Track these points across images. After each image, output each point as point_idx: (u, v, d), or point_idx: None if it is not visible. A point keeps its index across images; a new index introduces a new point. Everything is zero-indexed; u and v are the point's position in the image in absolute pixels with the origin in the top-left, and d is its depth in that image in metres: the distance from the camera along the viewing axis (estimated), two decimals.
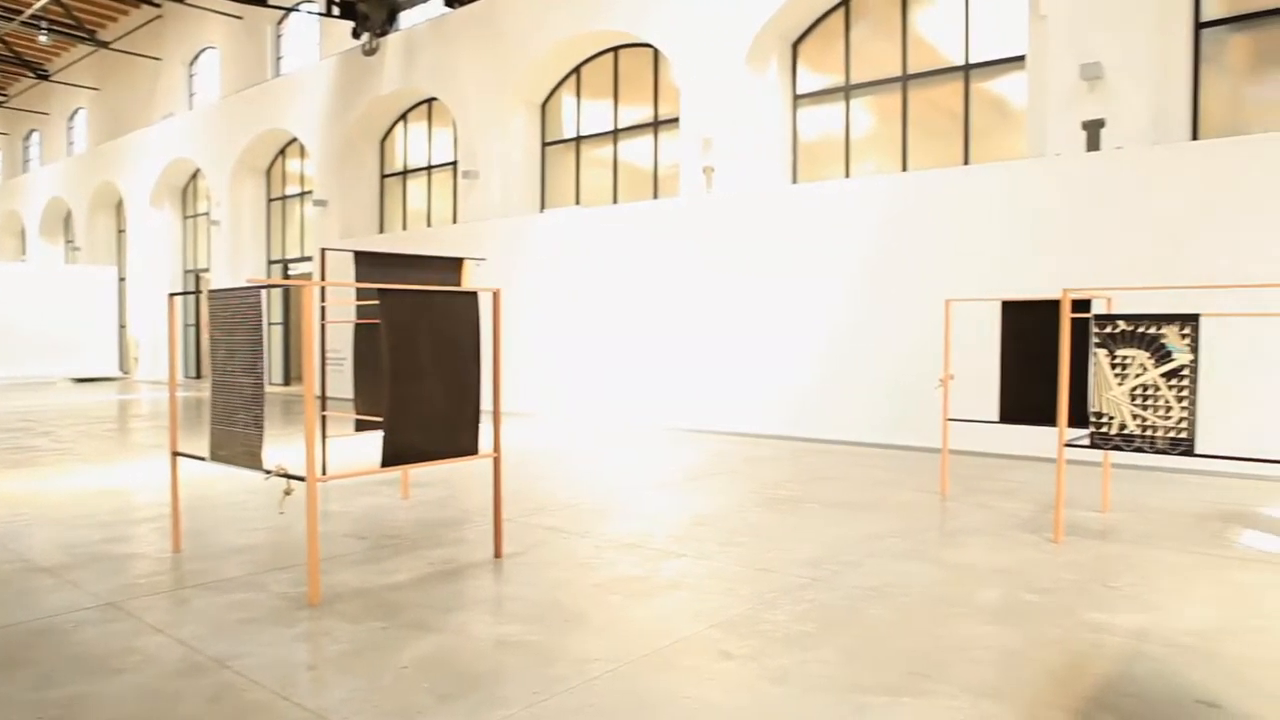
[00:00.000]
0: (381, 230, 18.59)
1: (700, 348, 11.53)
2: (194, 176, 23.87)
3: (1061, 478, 5.46)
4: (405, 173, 18.28)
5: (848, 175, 11.80)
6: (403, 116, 18.13)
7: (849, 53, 11.85)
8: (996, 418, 6.46)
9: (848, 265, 10.22)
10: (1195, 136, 9.25)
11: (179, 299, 5.45)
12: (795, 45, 12.29)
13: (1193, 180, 8.11)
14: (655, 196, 13.72)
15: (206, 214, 22.55)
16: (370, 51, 16.93)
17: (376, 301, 4.66)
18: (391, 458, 4.58)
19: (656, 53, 13.41)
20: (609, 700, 3.12)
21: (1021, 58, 10.25)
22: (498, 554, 5.07)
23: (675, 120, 13.16)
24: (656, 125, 13.91)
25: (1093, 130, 9.08)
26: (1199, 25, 9.36)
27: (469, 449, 4.91)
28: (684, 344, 11.71)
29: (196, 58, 23.89)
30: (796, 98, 12.33)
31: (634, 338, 12.31)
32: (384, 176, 18.68)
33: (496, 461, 5.03)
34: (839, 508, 6.48)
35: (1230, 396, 7.21)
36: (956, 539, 5.55)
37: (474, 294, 4.93)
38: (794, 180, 12.28)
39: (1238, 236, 7.75)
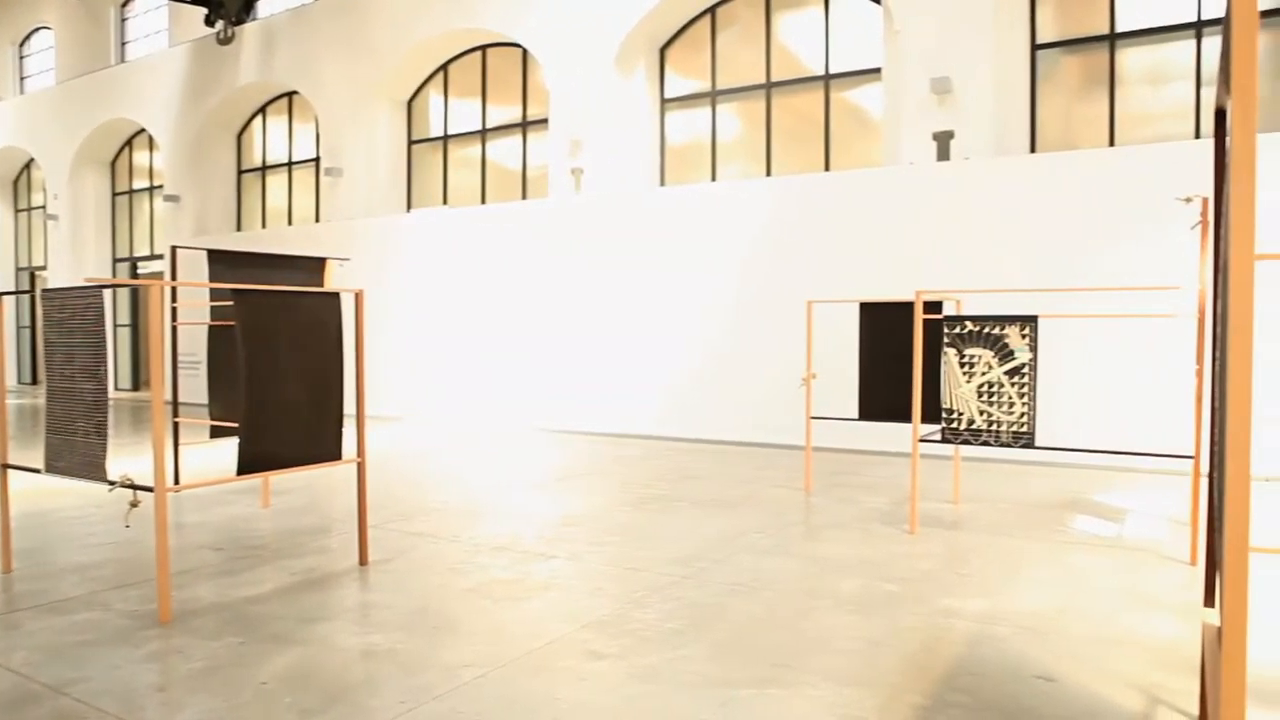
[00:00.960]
0: (239, 228, 17.76)
1: (570, 349, 11.55)
2: (27, 166, 22.21)
3: (916, 472, 5.73)
4: (265, 169, 17.53)
5: (714, 179, 12.04)
6: (261, 110, 17.39)
7: (715, 59, 12.09)
8: (856, 415, 6.72)
9: (714, 267, 10.43)
10: (1033, 149, 9.88)
11: (9, 299, 5.07)
12: (663, 50, 12.45)
13: (1031, 190, 8.66)
14: (524, 197, 13.64)
15: (43, 207, 21.02)
16: (225, 40, 16.15)
17: (231, 303, 4.46)
18: (248, 465, 4.40)
19: (526, 53, 13.34)
20: (479, 706, 3.08)
21: (878, 70, 10.71)
22: (363, 561, 4.94)
23: (544, 121, 13.13)
24: (525, 126, 13.82)
25: (943, 141, 9.57)
26: (1035, 47, 10.01)
27: (331, 454, 4.76)
28: (554, 346, 11.70)
29: (28, 38, 22.25)
30: (664, 101, 12.50)
31: (503, 339, 12.20)
32: (241, 172, 17.86)
33: (360, 466, 4.90)
34: (708, 506, 6.60)
35: (1067, 392, 7.72)
36: (820, 533, 5.75)
37: (336, 295, 4.79)
38: (662, 183, 12.44)
39: (1072, 243, 8.32)
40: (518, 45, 13.25)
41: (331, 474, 7.34)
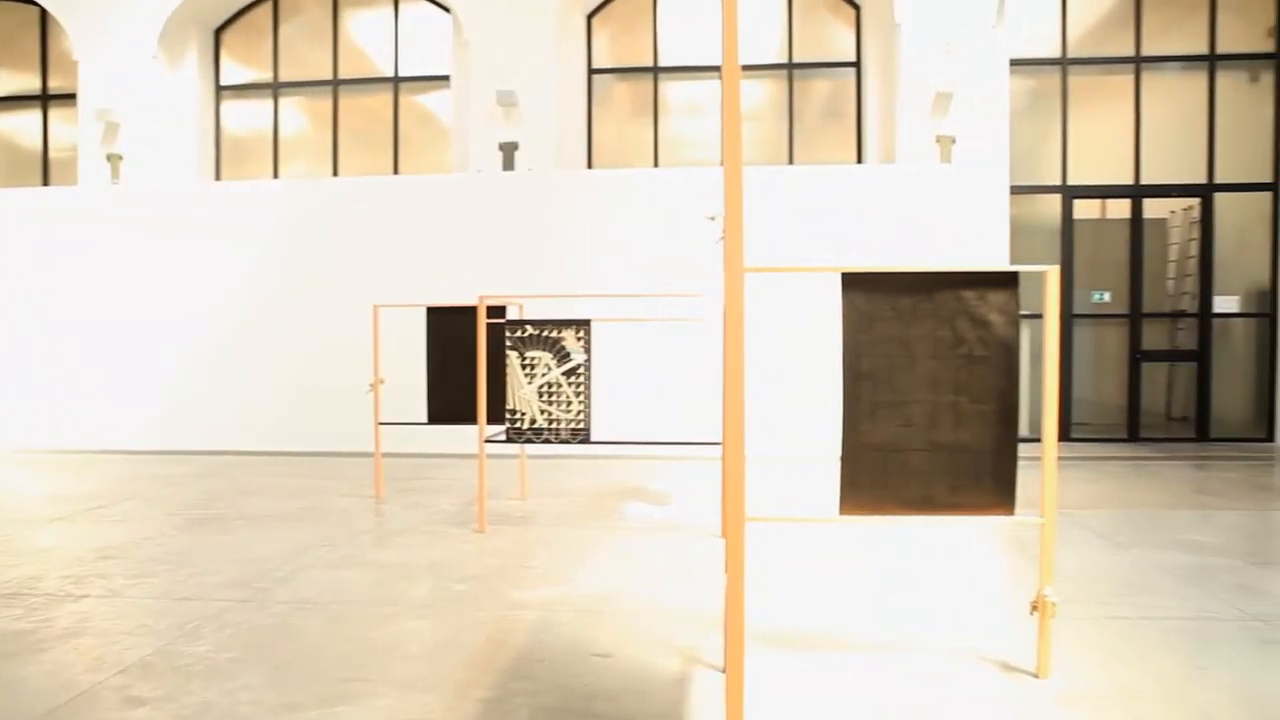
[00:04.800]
0: None
1: (108, 357, 10.13)
2: None
3: (483, 472, 5.88)
4: None
5: (276, 175, 11.35)
6: None
7: (278, 50, 11.39)
8: (425, 419, 6.73)
9: (275, 269, 9.82)
10: (590, 165, 10.68)
11: None
12: (218, 33, 11.46)
13: (588, 203, 9.35)
14: (46, 183, 11.72)
15: None
16: None
17: None
18: None
19: (45, 13, 11.44)
20: None
21: (448, 77, 10.83)
22: None
23: (72, 96, 11.38)
24: (46, 99, 11.87)
25: (508, 151, 9.97)
26: (592, 71, 10.83)
27: None
28: (89, 352, 10.18)
29: None
30: (220, 89, 11.51)
31: (12, 348, 10.36)
32: None
33: None
34: (270, 522, 6.20)
35: (619, 389, 8.43)
36: (390, 539, 5.67)
37: None
38: (217, 176, 11.44)
39: (622, 252, 9.12)
40: (34, 3, 11.32)
41: None
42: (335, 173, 11.22)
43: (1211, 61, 10.18)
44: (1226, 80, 10.23)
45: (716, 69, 10.52)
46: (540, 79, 10.19)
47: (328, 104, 11.31)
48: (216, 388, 9.88)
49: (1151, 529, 5.84)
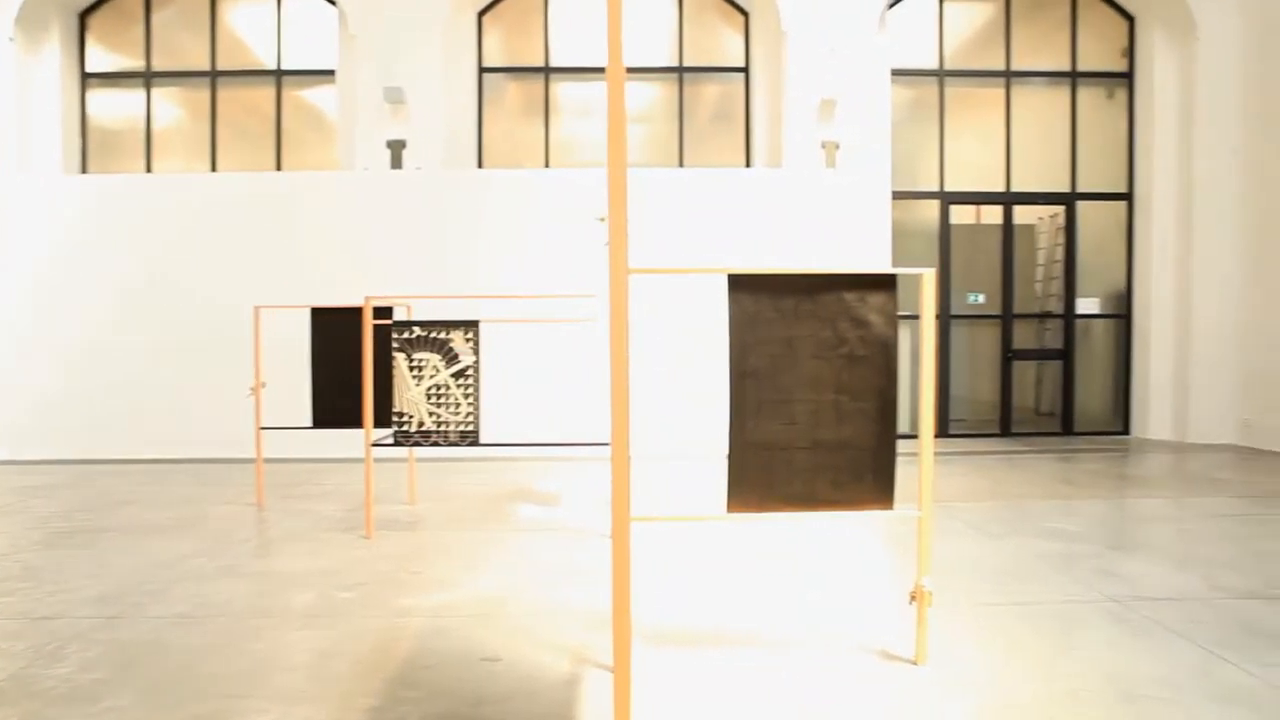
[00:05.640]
0: None
1: None
2: None
3: (370, 476, 5.75)
4: None
5: (150, 169, 10.82)
6: None
7: (150, 36, 10.86)
8: (310, 423, 6.53)
9: (149, 269, 9.36)
10: (481, 165, 10.56)
11: None
12: (83, 17, 10.84)
13: (478, 203, 9.24)
14: None
15: None
16: None
17: None
18: None
19: None
20: None
21: (333, 72, 10.53)
22: None
23: None
24: None
25: (396, 150, 9.76)
26: (482, 69, 10.71)
27: None
28: None
29: None
30: (86, 76, 10.89)
31: None
32: None
33: None
34: (143, 532, 5.91)
35: (508, 390, 8.37)
36: (272, 548, 5.48)
37: None
38: (84, 168, 10.83)
39: (513, 253, 9.05)
40: None
41: None
42: (214, 168, 10.77)
43: (1073, 78, 10.79)
44: (1086, 96, 10.85)
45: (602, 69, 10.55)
46: (429, 76, 10.02)
47: (205, 96, 10.84)
48: (84, 392, 9.35)
49: (1021, 519, 6.14)
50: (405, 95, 9.83)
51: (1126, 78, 10.80)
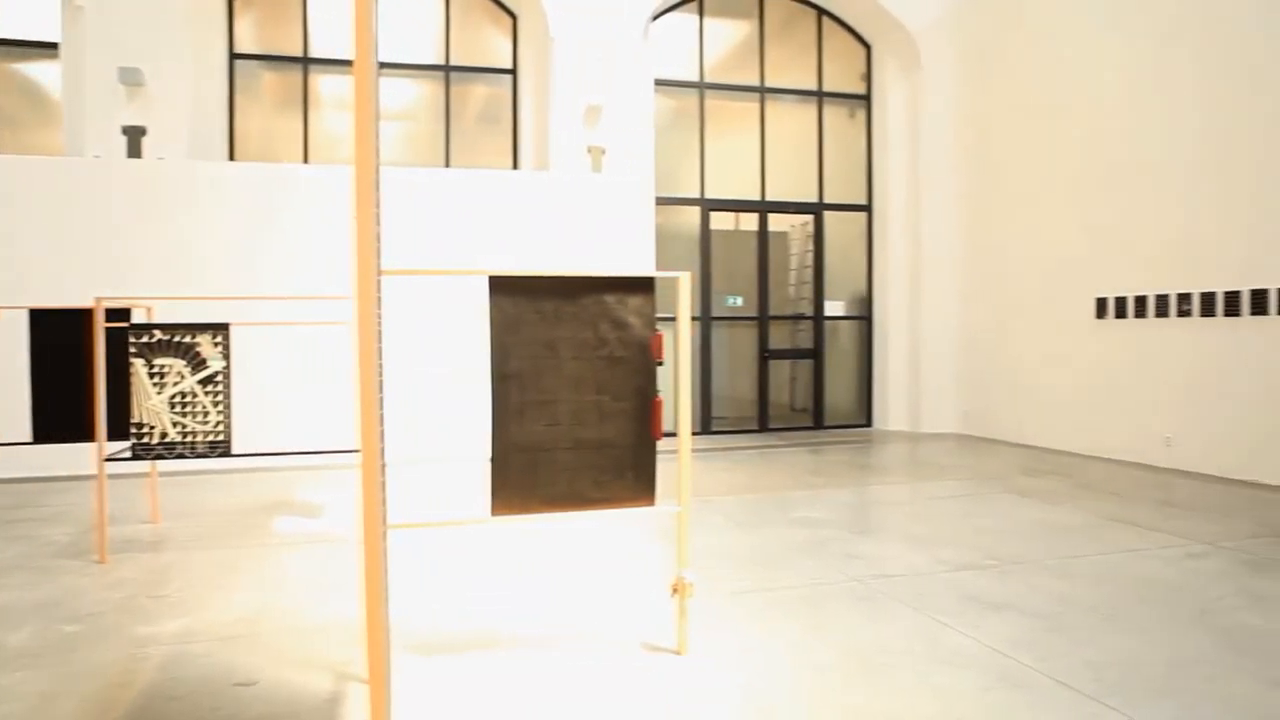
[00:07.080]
0: None
1: None
2: None
3: (103, 494, 5.24)
4: None
5: None
6: None
7: None
8: (30, 438, 5.84)
9: None
10: (232, 157, 9.90)
11: None
12: None
13: (230, 196, 8.64)
14: None
15: None
16: None
17: None
18: None
19: None
20: None
21: (55, 45, 9.49)
22: None
23: None
24: None
25: (134, 136, 8.94)
26: (234, 56, 10.04)
27: None
28: None
29: None
30: None
31: None
32: None
33: None
34: None
35: (262, 397, 7.89)
36: None
37: None
38: None
39: (264, 251, 8.54)
40: None
41: None
42: None
43: (820, 97, 11.63)
44: (832, 114, 11.74)
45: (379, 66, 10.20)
46: (173, 59, 9.26)
47: None
48: None
49: (774, 510, 6.55)
50: (144, 77, 9.03)
51: (865, 99, 11.78)
